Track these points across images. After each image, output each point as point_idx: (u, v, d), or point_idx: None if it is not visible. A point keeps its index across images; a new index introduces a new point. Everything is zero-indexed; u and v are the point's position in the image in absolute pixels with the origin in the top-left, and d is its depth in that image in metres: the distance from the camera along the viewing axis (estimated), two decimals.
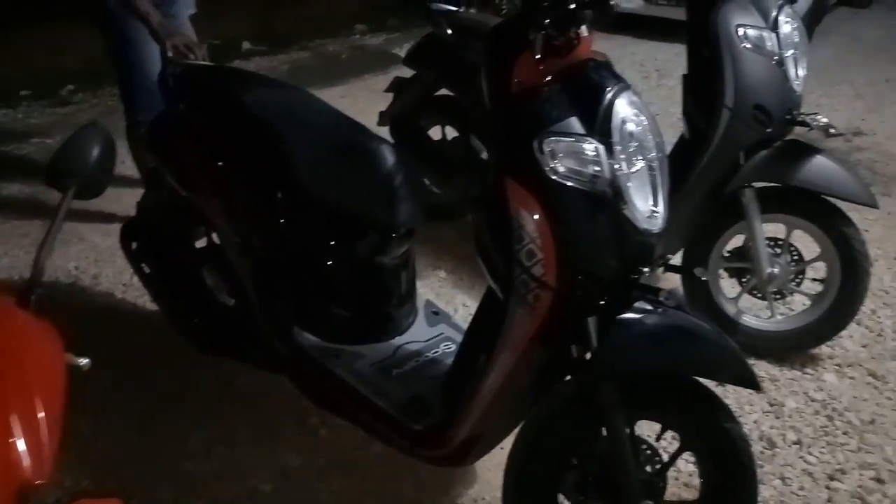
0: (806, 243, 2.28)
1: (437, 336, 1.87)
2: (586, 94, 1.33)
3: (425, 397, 1.63)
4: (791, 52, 2.16)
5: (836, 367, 2.25)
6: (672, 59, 5.19)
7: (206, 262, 2.09)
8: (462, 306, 2.55)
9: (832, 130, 2.18)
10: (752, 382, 1.39)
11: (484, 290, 1.48)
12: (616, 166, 1.28)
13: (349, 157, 1.79)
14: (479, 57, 2.71)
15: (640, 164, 1.33)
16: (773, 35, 2.14)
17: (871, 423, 2.03)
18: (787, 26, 2.17)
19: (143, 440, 1.92)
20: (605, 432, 1.39)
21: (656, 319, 1.36)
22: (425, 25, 7.12)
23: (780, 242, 2.26)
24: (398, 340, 1.83)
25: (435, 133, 3.12)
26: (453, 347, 1.82)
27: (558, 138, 1.28)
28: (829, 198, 2.13)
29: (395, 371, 1.72)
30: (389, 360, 1.75)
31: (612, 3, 1.35)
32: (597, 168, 1.27)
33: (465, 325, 1.97)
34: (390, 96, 3.08)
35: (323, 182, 1.75)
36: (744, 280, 2.33)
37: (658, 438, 1.51)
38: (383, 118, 3.07)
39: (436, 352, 1.81)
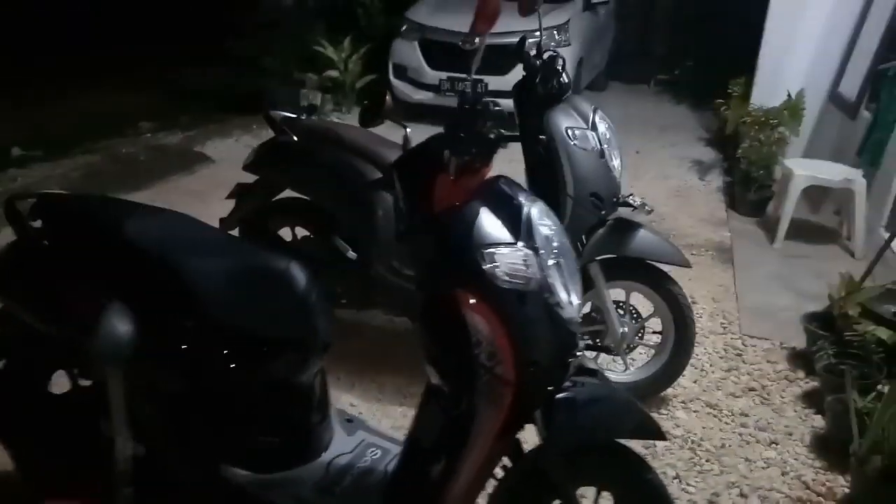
0: (640, 302, 2.68)
1: (360, 444, 1.88)
2: (507, 208, 1.51)
3: None
4: (608, 146, 2.59)
5: (682, 404, 2.65)
6: None
7: (78, 411, 1.87)
8: (349, 406, 2.55)
9: (647, 207, 2.63)
10: (661, 434, 1.63)
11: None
12: (543, 267, 1.47)
13: (251, 279, 1.76)
14: (333, 162, 2.84)
15: (552, 262, 1.54)
16: (594, 133, 2.55)
17: (722, 448, 2.42)
18: (602, 125, 2.60)
19: None
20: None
21: (585, 395, 1.55)
22: (222, 121, 6.98)
23: (622, 304, 2.64)
24: (325, 457, 1.80)
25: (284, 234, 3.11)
26: (379, 453, 1.85)
27: (496, 249, 1.44)
28: (653, 263, 2.56)
29: (337, 489, 1.69)
30: (326, 480, 1.72)
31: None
32: (530, 270, 1.45)
33: (376, 426, 2.02)
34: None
35: (231, 308, 1.70)
36: (597, 341, 2.66)
37: (596, 501, 1.68)
38: (229, 224, 3.00)
39: (366, 461, 1.81)
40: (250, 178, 2.96)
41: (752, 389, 2.77)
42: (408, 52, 6.64)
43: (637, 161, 5.89)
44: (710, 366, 2.93)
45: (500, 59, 6.12)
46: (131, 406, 1.70)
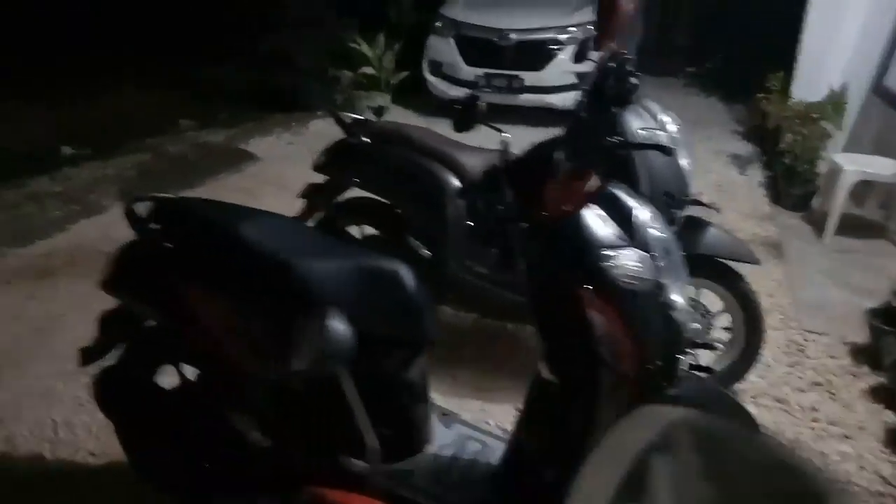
0: (708, 299, 2.74)
1: (459, 437, 1.96)
2: (619, 211, 1.58)
3: (487, 499, 1.71)
4: (678, 145, 2.64)
5: (752, 399, 2.70)
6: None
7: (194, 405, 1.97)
8: None
9: (716, 206, 2.68)
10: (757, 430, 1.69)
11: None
12: (656, 268, 1.54)
13: (365, 280, 1.83)
14: (404, 163, 2.90)
15: (662, 263, 1.60)
16: (664, 133, 2.60)
17: (796, 442, 2.47)
18: (671, 126, 2.64)
19: None
20: None
21: (691, 390, 1.62)
22: (259, 119, 7.04)
23: (693, 302, 2.69)
24: (430, 449, 1.88)
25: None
26: (479, 446, 1.92)
27: (615, 251, 1.50)
28: (724, 260, 2.61)
29: (447, 480, 1.77)
30: (439, 471, 1.79)
31: None
32: (646, 271, 1.52)
33: (470, 421, 2.09)
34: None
35: (347, 308, 1.77)
36: None
37: None
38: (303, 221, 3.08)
39: (468, 453, 1.89)
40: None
41: (817, 384, 2.81)
42: (443, 48, 6.68)
43: None
44: (774, 361, 2.97)
45: (536, 55, 6.22)
46: (258, 401, 1.80)
